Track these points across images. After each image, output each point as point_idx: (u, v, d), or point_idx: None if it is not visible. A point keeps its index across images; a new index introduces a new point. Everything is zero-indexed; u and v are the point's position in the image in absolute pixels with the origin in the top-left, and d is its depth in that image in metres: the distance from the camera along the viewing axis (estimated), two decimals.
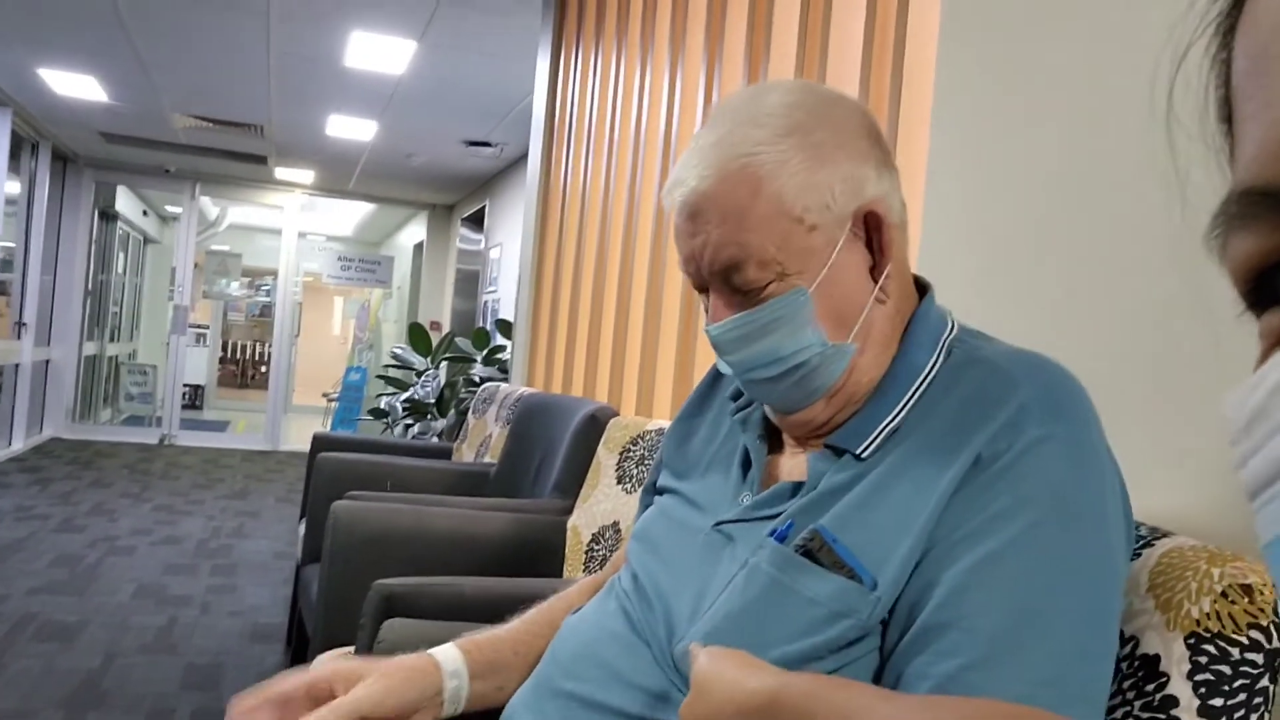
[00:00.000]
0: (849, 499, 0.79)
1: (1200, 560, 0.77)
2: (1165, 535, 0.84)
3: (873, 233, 0.84)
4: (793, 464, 0.90)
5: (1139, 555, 0.83)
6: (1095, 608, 0.70)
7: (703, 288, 0.88)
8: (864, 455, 0.81)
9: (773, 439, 0.93)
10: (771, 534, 0.80)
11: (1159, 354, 1.02)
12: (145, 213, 11.45)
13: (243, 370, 15.41)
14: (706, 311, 0.89)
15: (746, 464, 0.92)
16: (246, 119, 6.78)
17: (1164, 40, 0.31)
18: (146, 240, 11.95)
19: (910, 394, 0.82)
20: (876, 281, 0.85)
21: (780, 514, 0.83)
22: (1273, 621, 0.73)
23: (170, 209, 11.34)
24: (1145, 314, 1.05)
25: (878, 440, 0.81)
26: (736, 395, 0.98)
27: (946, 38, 1.42)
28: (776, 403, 0.89)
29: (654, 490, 1.05)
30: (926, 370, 0.83)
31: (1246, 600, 0.73)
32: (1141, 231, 1.05)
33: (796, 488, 0.84)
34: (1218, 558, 0.77)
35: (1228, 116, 0.28)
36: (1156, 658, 0.76)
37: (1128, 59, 1.08)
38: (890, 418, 0.82)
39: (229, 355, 14.90)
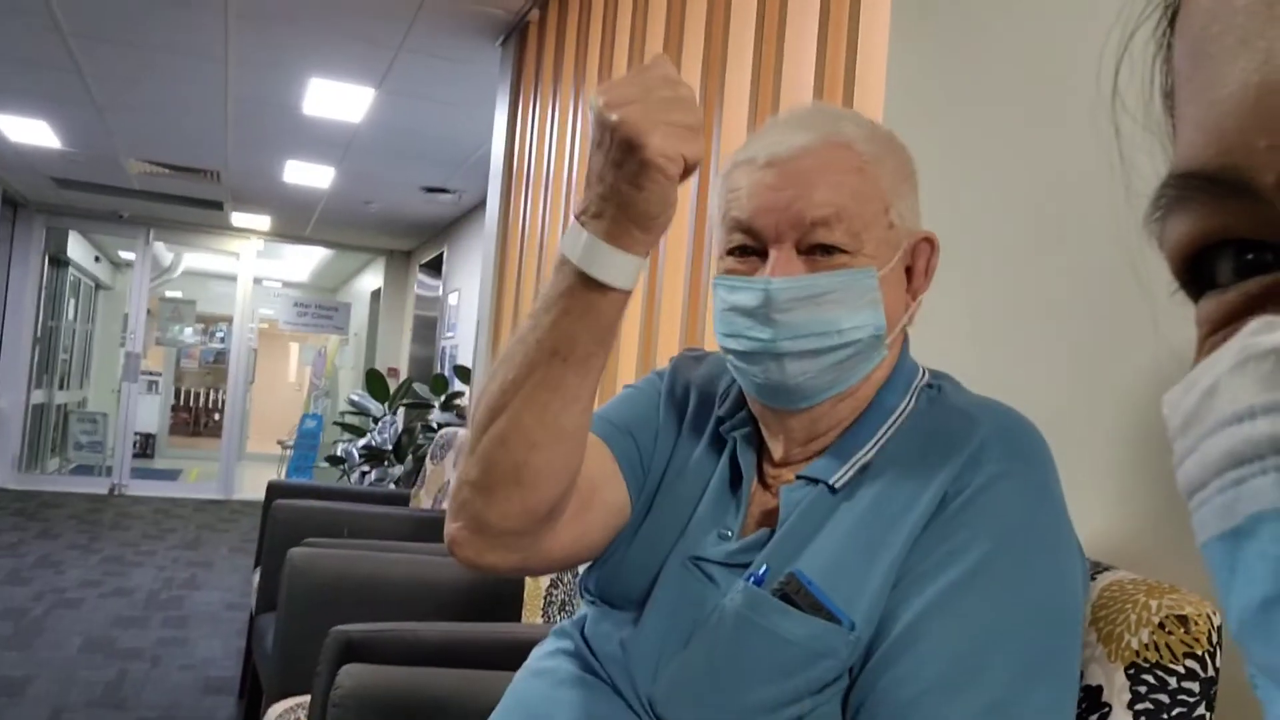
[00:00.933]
0: (823, 537, 0.80)
1: (1139, 593, 0.80)
2: (1106, 569, 0.87)
3: (920, 258, 0.89)
4: (769, 497, 0.90)
5: None
6: (1052, 635, 0.73)
7: (755, 249, 0.85)
8: (837, 486, 0.83)
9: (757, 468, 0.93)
10: (749, 578, 0.81)
11: (1098, 394, 1.06)
12: (97, 258, 11.31)
13: (195, 418, 15.16)
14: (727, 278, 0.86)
15: (734, 491, 0.90)
16: (202, 165, 6.75)
17: (1111, 25, 0.33)
18: (98, 286, 11.79)
19: (882, 432, 0.85)
20: (909, 308, 0.89)
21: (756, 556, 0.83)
22: (1208, 650, 0.75)
23: (123, 255, 11.21)
24: (1086, 354, 1.08)
25: (849, 473, 0.83)
26: (731, 411, 0.95)
27: (894, 75, 1.47)
28: (804, 384, 0.84)
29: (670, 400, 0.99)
30: (897, 412, 0.86)
31: (1183, 630, 0.76)
32: (1092, 240, 1.09)
33: (773, 532, 0.84)
34: (1156, 590, 0.80)
35: (1171, 102, 0.29)
36: (1099, 689, 0.78)
37: (1077, 67, 1.13)
38: (862, 452, 0.84)
39: (181, 402, 14.67)
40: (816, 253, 0.83)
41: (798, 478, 0.86)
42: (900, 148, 0.90)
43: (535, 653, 0.98)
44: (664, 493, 0.94)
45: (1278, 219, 0.23)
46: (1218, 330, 0.25)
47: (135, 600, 4.62)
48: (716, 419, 0.95)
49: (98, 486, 8.79)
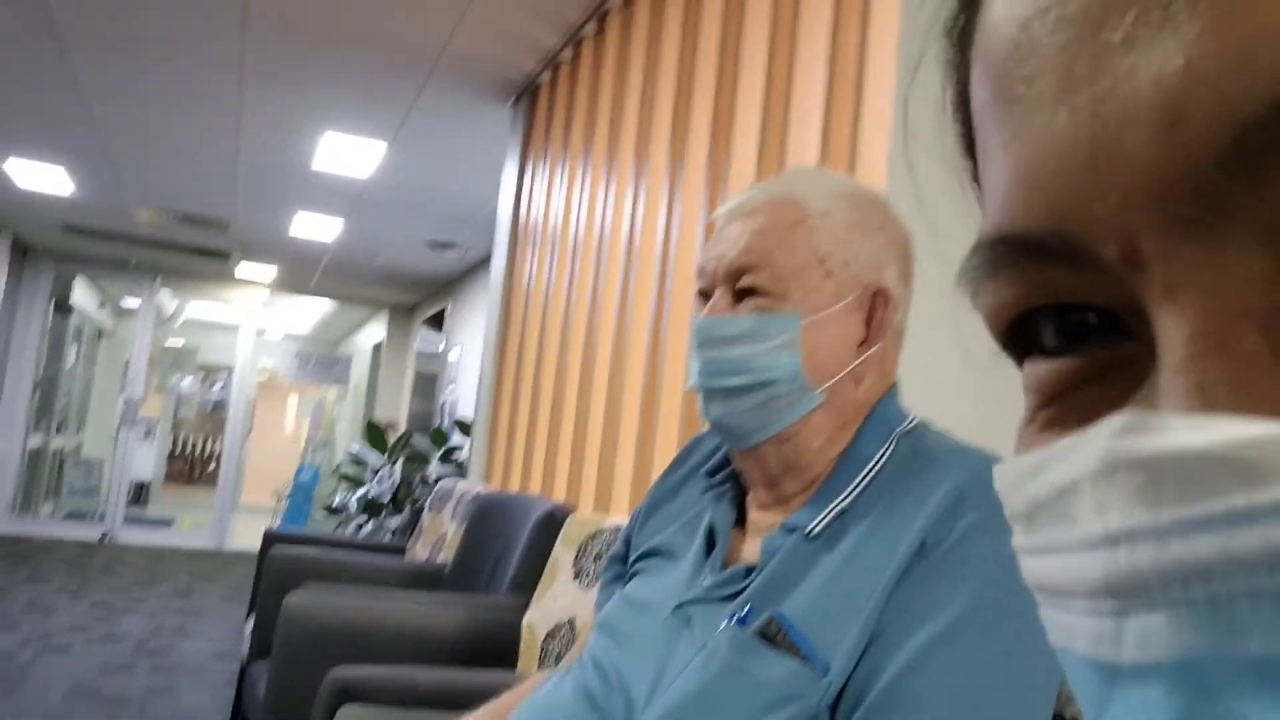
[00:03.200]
0: (804, 584, 0.82)
1: None
2: None
3: (876, 310, 0.91)
4: (752, 546, 0.92)
5: None
6: (1032, 689, 0.74)
7: (708, 292, 0.93)
8: (813, 534, 0.84)
9: (738, 519, 0.96)
10: (732, 617, 0.83)
11: None
12: (102, 305, 11.38)
13: (191, 467, 15.12)
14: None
15: (710, 543, 0.94)
16: (211, 215, 6.83)
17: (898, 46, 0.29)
18: (101, 333, 11.84)
19: (859, 480, 0.86)
20: (859, 357, 0.90)
21: (736, 594, 0.85)
22: None
23: (127, 302, 11.27)
24: None
25: (827, 520, 0.85)
26: (712, 472, 1.01)
27: (896, 163, 1.51)
28: (734, 424, 0.91)
29: (622, 561, 1.08)
30: (875, 459, 0.88)
31: None
32: None
33: (750, 571, 0.87)
34: None
35: (969, 143, 0.26)
36: None
37: None
38: (840, 499, 0.85)
39: (178, 451, 14.64)
40: (746, 297, 0.89)
41: (780, 526, 0.88)
42: (869, 206, 0.93)
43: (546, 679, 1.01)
44: (655, 563, 0.99)
45: (1114, 289, 0.20)
46: (1051, 403, 0.23)
47: (124, 648, 4.58)
48: (703, 485, 1.01)
49: (90, 532, 8.73)
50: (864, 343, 0.91)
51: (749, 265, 0.89)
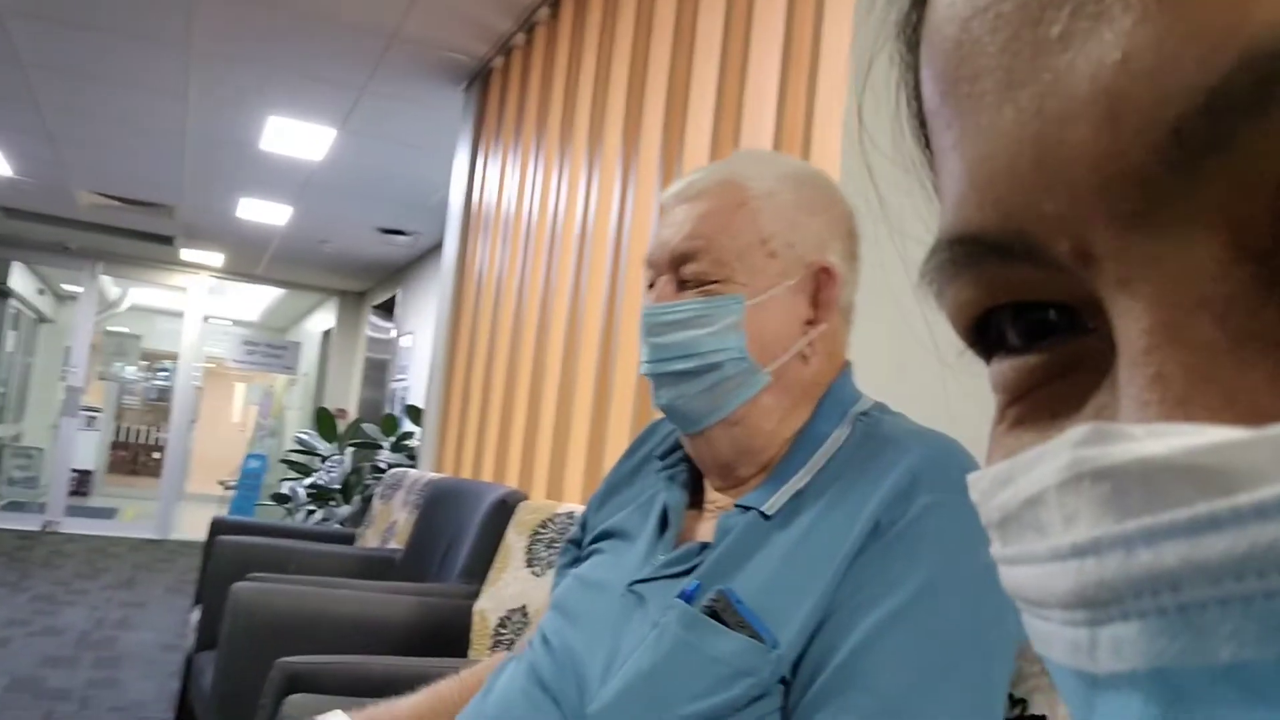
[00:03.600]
0: (757, 562, 0.82)
1: None
2: None
3: (821, 289, 0.91)
4: (707, 526, 0.93)
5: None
6: (986, 667, 0.74)
7: (654, 282, 0.94)
8: (769, 514, 0.85)
9: (692, 500, 0.96)
10: (681, 594, 0.83)
11: None
12: (41, 290, 11.11)
13: (135, 456, 14.84)
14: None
15: (664, 524, 0.94)
16: (155, 199, 6.70)
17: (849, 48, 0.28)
18: (40, 319, 11.56)
19: (815, 459, 0.87)
20: (806, 335, 0.91)
21: (689, 572, 0.85)
22: None
23: (68, 287, 11.02)
24: None
25: (782, 500, 0.85)
26: (665, 454, 1.01)
27: (850, 150, 1.52)
28: (684, 408, 0.91)
29: (578, 545, 1.07)
30: (831, 439, 0.88)
31: None
32: None
33: (704, 547, 0.87)
34: None
35: (925, 139, 0.26)
36: (1044, 718, 0.80)
37: None
38: (795, 479, 0.86)
39: (121, 440, 14.36)
40: (690, 282, 0.90)
41: (736, 505, 0.88)
42: (812, 185, 0.94)
43: (500, 664, 1.00)
44: (611, 544, 1.00)
45: (1071, 286, 0.21)
46: (1018, 400, 0.23)
47: (65, 640, 4.49)
48: (657, 467, 1.01)
49: (30, 523, 8.53)
50: (811, 321, 0.91)
51: (693, 251, 0.90)
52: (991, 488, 0.21)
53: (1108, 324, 0.20)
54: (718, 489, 0.95)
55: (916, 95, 0.26)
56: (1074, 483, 0.18)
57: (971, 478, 0.22)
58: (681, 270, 0.90)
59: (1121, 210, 0.19)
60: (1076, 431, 0.18)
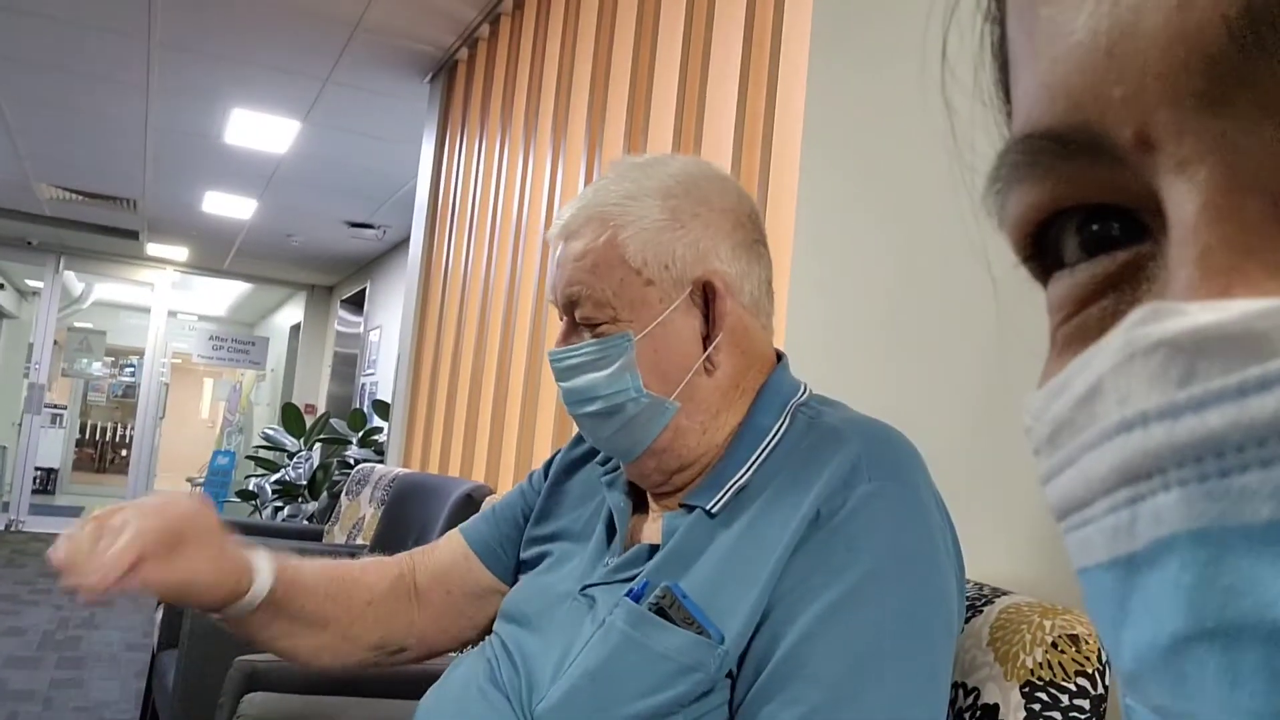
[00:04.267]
0: (703, 559, 0.82)
1: (1034, 614, 0.83)
2: (1005, 594, 0.90)
3: (710, 303, 0.89)
4: (654, 527, 0.92)
5: (980, 612, 0.88)
6: (929, 653, 0.75)
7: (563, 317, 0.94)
8: (713, 511, 0.84)
9: (638, 502, 0.96)
10: (628, 593, 0.82)
11: (993, 431, 1.10)
12: (2, 286, 10.93)
13: (101, 454, 14.67)
14: None
15: (612, 527, 0.94)
16: (118, 193, 6.60)
17: None
18: (2, 315, 11.38)
19: (756, 454, 0.86)
20: (706, 351, 0.89)
21: (638, 574, 0.85)
22: (1097, 669, 0.78)
23: (31, 283, 10.85)
24: (981, 393, 1.12)
25: (725, 497, 0.85)
26: (605, 460, 1.01)
27: (810, 132, 1.52)
28: (607, 447, 0.93)
29: (535, 493, 1.08)
30: (771, 433, 0.87)
31: (1074, 649, 0.79)
32: (972, 313, 1.13)
33: (654, 549, 0.87)
34: (1050, 611, 0.82)
35: (1005, 68, 0.26)
36: (996, 707, 0.80)
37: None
38: (737, 476, 0.85)
39: (87, 437, 14.18)
40: (584, 325, 0.90)
41: (680, 505, 0.88)
42: (680, 194, 0.90)
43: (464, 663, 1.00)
44: (559, 548, 1.00)
45: (1131, 182, 0.21)
46: (1071, 318, 0.23)
47: (28, 640, 4.43)
48: (600, 472, 1.01)
49: None
50: (707, 336, 0.89)
51: (574, 297, 0.89)
52: (1045, 402, 0.21)
53: (1164, 221, 0.20)
54: (662, 493, 0.94)
55: (999, 24, 0.26)
56: (1127, 363, 0.18)
57: (1025, 400, 0.22)
58: (574, 313, 0.90)
59: (1185, 91, 0.19)
60: (1132, 315, 0.18)
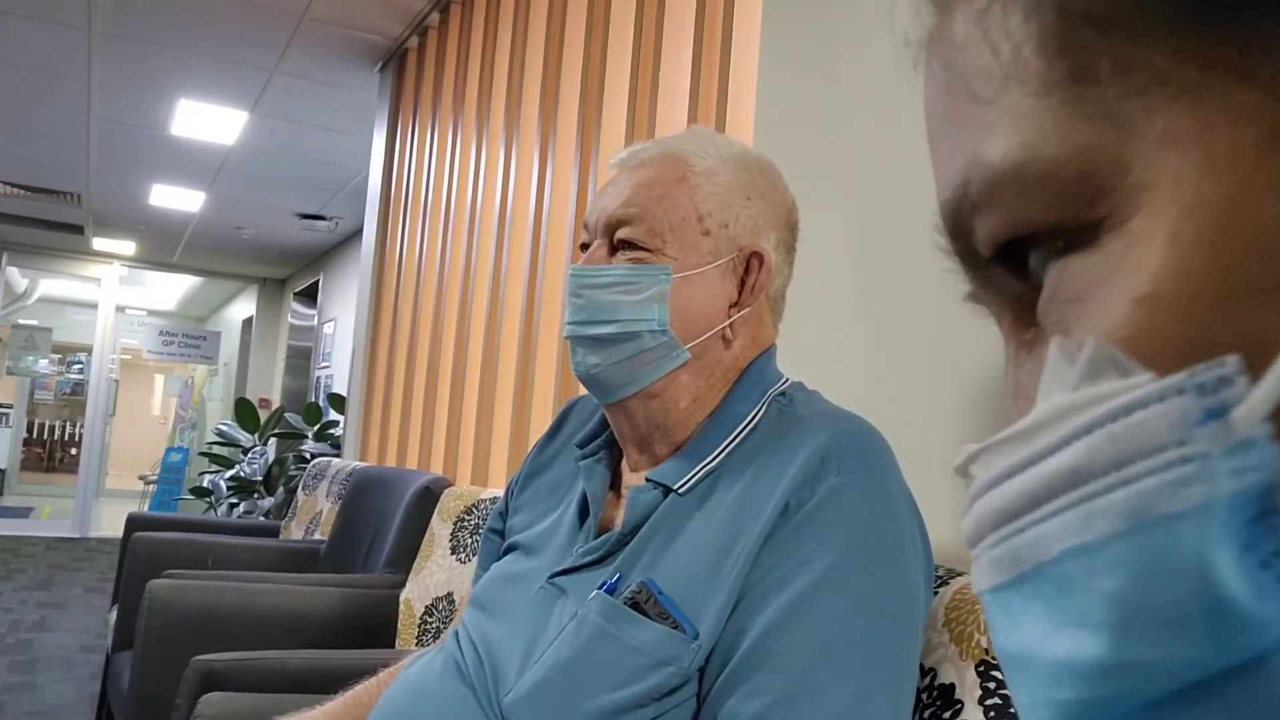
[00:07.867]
0: (675, 548, 0.82)
1: None
2: (959, 574, 0.91)
3: (751, 273, 0.91)
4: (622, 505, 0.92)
5: (936, 594, 0.89)
6: (893, 645, 0.75)
7: (589, 244, 0.94)
8: (681, 491, 0.84)
9: (613, 487, 0.96)
10: (602, 586, 0.82)
11: (956, 410, 1.11)
12: None
13: (50, 452, 14.38)
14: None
15: (584, 513, 0.94)
16: (62, 186, 6.46)
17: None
18: None
19: (729, 439, 0.87)
20: (730, 317, 0.91)
21: (606, 557, 0.85)
22: None
23: None
24: (944, 371, 1.14)
25: (694, 479, 0.85)
26: (584, 442, 1.00)
27: (763, 116, 1.52)
28: (601, 376, 0.90)
29: (500, 535, 1.07)
30: (747, 420, 0.88)
31: None
32: (938, 302, 1.14)
33: (625, 536, 0.86)
34: None
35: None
36: (952, 686, 0.82)
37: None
38: (709, 459, 0.86)
39: (35, 436, 13.90)
40: (622, 249, 0.90)
41: (646, 479, 0.88)
42: (756, 172, 0.94)
43: (417, 657, 0.99)
44: (527, 537, 0.99)
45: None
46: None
47: None
48: (576, 455, 1.00)
49: None
50: (736, 304, 0.91)
51: (628, 218, 0.89)
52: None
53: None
54: (634, 468, 0.94)
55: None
56: (962, 473, 0.26)
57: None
58: (615, 235, 0.90)
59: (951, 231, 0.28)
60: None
